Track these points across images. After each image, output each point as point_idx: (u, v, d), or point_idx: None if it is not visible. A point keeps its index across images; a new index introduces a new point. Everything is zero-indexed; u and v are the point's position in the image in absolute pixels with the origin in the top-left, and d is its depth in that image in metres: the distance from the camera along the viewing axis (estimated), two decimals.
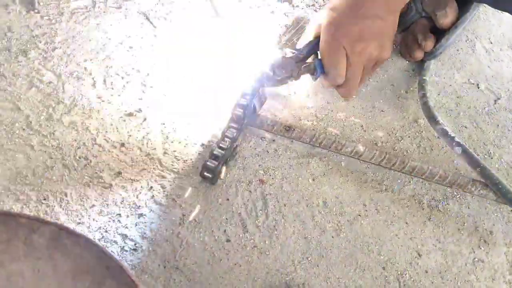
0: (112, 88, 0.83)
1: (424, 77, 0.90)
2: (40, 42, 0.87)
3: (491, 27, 1.06)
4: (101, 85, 0.83)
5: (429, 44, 0.89)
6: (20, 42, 0.87)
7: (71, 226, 0.69)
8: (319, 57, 0.79)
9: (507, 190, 0.71)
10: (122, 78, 0.84)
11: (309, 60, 0.81)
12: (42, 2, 0.94)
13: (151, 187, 0.73)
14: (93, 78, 0.84)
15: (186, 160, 0.76)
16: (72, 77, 0.83)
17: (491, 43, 1.03)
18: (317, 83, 0.84)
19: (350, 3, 0.75)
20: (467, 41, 1.02)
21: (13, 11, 0.91)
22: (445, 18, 0.88)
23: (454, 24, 0.89)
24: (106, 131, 0.78)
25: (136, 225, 0.69)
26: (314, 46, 0.81)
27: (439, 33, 0.91)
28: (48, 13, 0.93)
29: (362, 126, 0.84)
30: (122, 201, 0.71)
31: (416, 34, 0.90)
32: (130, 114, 0.80)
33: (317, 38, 0.81)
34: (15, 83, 0.81)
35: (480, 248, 0.73)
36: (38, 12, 0.92)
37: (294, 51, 0.80)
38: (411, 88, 0.91)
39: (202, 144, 0.79)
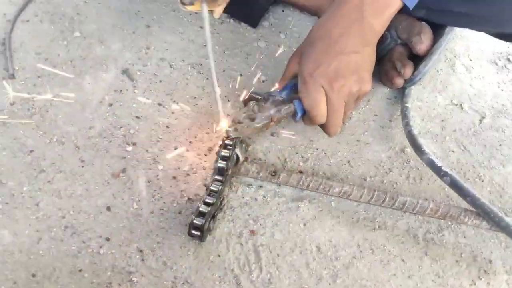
0: (95, 150, 0.82)
1: (406, 104, 0.90)
2: (18, 110, 0.86)
3: (469, 43, 1.06)
4: (82, 147, 0.82)
5: (408, 71, 0.89)
6: None
7: None
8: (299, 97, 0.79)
9: (499, 218, 0.70)
10: (104, 137, 0.84)
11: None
12: (17, 66, 0.94)
13: (141, 250, 0.72)
14: (74, 142, 0.83)
15: (174, 218, 0.75)
16: (53, 142, 0.82)
17: (471, 60, 1.03)
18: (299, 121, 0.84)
19: (324, 41, 0.75)
20: (446, 61, 1.02)
21: None
22: (421, 44, 0.88)
23: (431, 50, 0.89)
24: (91, 196, 0.77)
25: None
26: (293, 86, 0.81)
27: (417, 59, 0.91)
28: (25, 78, 0.92)
29: (348, 161, 0.84)
30: (113, 269, 0.70)
31: (394, 62, 0.90)
32: (115, 175, 0.79)
33: (295, 77, 0.81)
34: None
35: (481, 279, 0.72)
36: (14, 78, 0.92)
37: (273, 94, 0.80)
38: (395, 116, 0.91)
39: (189, 199, 0.77)
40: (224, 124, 0.77)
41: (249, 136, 0.84)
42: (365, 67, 0.77)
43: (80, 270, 0.69)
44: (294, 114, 0.79)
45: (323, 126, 0.80)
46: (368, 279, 0.71)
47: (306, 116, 0.79)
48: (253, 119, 0.76)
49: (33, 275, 0.69)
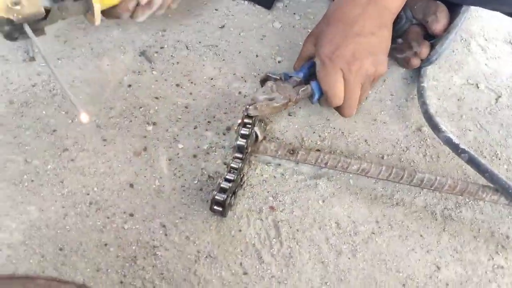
0: (116, 129, 0.83)
1: (422, 84, 0.90)
2: (40, 90, 0.88)
3: (484, 23, 1.06)
4: (104, 127, 0.83)
5: (424, 51, 0.89)
6: (20, 92, 0.88)
7: (90, 273, 0.69)
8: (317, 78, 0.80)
9: None
10: (125, 117, 0.85)
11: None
12: (38, 49, 0.95)
13: (164, 225, 0.74)
14: (95, 121, 0.84)
15: (196, 195, 0.77)
16: (75, 122, 0.84)
17: (486, 40, 1.03)
18: (306, 104, 0.85)
19: (341, 22, 0.76)
20: (462, 41, 1.02)
21: (10, 61, 0.92)
22: (437, 23, 0.89)
23: (447, 29, 0.89)
24: (114, 173, 0.78)
25: (153, 266, 0.70)
26: (310, 67, 0.81)
27: (433, 39, 0.91)
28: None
29: (366, 140, 0.85)
30: (137, 243, 0.72)
31: (410, 42, 0.91)
32: (136, 154, 0.81)
33: (311, 58, 0.82)
34: (19, 134, 0.82)
35: (498, 254, 0.73)
36: (35, 60, 0.93)
37: (290, 74, 0.81)
38: (411, 96, 0.92)
39: (209, 177, 0.79)
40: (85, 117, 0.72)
41: (267, 116, 0.85)
42: (381, 49, 0.78)
43: (105, 244, 0.71)
44: (311, 96, 0.80)
45: (338, 108, 0.81)
46: (387, 253, 0.72)
47: (323, 97, 0.80)
48: (271, 99, 0.77)
49: (60, 249, 0.71)
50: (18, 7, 0.71)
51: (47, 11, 0.75)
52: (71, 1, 0.76)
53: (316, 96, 0.78)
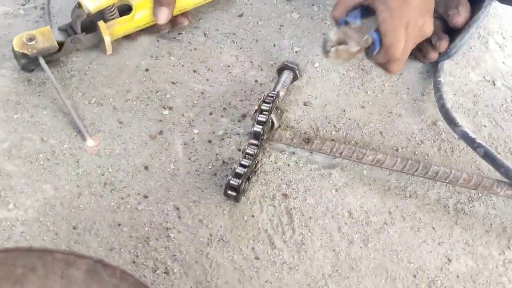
0: (132, 112, 0.84)
1: (439, 78, 0.90)
2: (58, 71, 0.88)
3: (503, 22, 1.06)
4: (120, 109, 0.84)
5: (443, 45, 0.89)
6: (38, 73, 0.88)
7: (103, 252, 0.70)
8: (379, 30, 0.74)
9: None
10: (141, 101, 0.85)
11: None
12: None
13: (178, 208, 0.74)
14: (112, 103, 0.85)
15: (210, 180, 0.77)
16: (92, 103, 0.84)
17: (504, 38, 1.03)
18: (322, 94, 0.84)
19: None
20: (480, 38, 1.02)
21: None
22: (458, 17, 0.88)
23: (468, 23, 0.89)
24: (129, 155, 0.79)
25: (166, 248, 0.70)
26: (361, 14, 0.76)
27: (453, 33, 0.90)
28: None
29: (381, 132, 0.85)
30: (150, 224, 0.72)
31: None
32: (152, 137, 0.81)
33: (361, 5, 0.76)
34: (36, 113, 0.83)
35: (510, 249, 0.73)
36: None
37: (348, 20, 0.74)
38: (427, 90, 0.91)
39: (224, 162, 0.79)
40: (90, 143, 0.79)
41: (341, 63, 0.85)
42: (432, 13, 0.77)
43: (119, 225, 0.72)
44: (370, 46, 0.73)
45: (386, 64, 0.77)
46: (399, 244, 0.72)
47: (381, 50, 0.74)
48: (346, 43, 0.69)
49: (74, 228, 0.71)
50: (33, 42, 0.81)
51: (61, 44, 0.85)
52: (84, 35, 0.85)
53: (377, 48, 0.73)
